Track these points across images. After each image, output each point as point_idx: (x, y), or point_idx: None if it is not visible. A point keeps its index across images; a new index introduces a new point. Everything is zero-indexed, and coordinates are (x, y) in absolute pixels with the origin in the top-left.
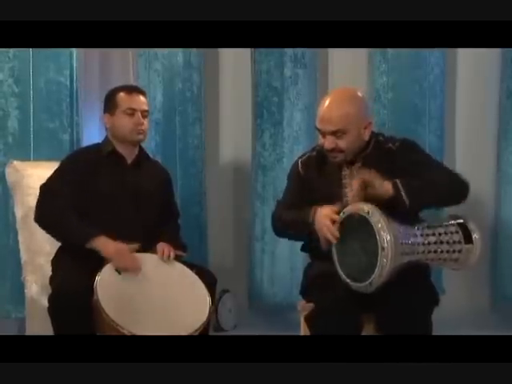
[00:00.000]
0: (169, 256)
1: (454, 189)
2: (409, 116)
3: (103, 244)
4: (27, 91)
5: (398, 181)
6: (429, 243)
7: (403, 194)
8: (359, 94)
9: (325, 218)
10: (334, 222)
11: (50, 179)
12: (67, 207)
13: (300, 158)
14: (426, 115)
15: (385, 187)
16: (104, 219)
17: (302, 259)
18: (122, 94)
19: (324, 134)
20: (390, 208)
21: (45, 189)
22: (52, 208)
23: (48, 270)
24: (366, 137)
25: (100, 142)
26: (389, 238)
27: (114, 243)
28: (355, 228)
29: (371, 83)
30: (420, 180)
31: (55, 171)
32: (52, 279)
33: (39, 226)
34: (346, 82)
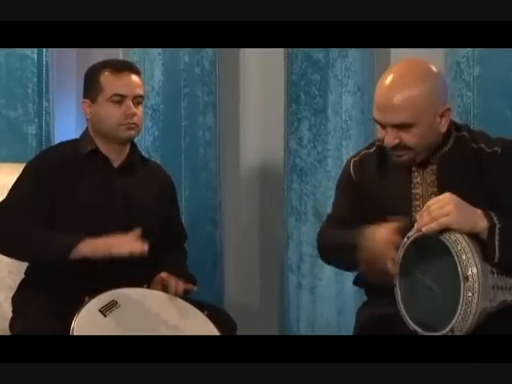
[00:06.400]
0: (176, 292)
1: None
2: (502, 99)
3: (90, 246)
4: None
5: (497, 223)
6: None
7: (497, 245)
8: (433, 68)
9: (386, 243)
10: (397, 248)
11: (9, 194)
12: (36, 220)
13: (353, 157)
14: None
15: (476, 221)
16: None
17: (353, 297)
18: (107, 74)
19: (384, 126)
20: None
21: (2, 206)
22: (15, 224)
23: (8, 310)
24: (443, 128)
25: (78, 137)
26: (474, 264)
27: (101, 239)
28: (426, 255)
29: (450, 55)
30: None
31: (16, 180)
32: (13, 322)
33: (1, 253)
34: (415, 54)
